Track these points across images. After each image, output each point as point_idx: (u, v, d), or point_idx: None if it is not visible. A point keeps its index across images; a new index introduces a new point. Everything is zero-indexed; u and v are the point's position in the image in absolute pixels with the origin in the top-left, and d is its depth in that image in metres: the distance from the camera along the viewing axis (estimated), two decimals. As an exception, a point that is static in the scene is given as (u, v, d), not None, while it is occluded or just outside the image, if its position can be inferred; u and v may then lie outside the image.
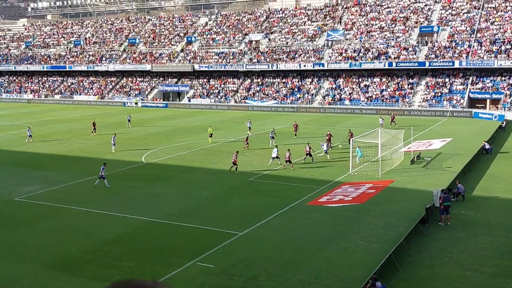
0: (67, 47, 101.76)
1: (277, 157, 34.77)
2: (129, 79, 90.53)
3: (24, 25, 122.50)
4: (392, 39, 73.93)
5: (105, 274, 18.45)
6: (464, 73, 67.37)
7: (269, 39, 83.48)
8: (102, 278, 18.01)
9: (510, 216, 24.45)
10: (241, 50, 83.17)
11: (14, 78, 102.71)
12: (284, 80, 77.39)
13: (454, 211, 24.29)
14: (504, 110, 59.54)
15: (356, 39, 76.61)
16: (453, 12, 74.63)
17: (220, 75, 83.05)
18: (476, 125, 53.50)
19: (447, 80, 67.63)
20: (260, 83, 78.56)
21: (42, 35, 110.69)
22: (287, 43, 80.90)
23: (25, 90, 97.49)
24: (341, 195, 27.30)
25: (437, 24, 73.68)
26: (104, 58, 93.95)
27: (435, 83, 67.86)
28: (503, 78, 64.54)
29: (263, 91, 76.58)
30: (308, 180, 31.54)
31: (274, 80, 78.15)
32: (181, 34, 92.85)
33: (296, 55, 77.40)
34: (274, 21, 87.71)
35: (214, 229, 22.82)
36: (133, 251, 20.53)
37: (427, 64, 67.59)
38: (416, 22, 75.57)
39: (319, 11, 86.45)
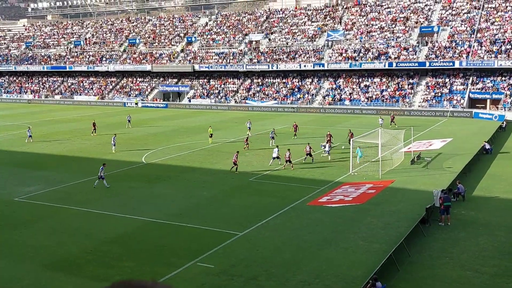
0: (67, 48, 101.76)
1: (277, 157, 34.79)
2: (129, 79, 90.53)
3: (24, 26, 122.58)
4: (392, 39, 73.92)
5: (105, 274, 18.45)
6: (464, 73, 67.36)
7: (269, 39, 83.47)
8: (102, 278, 18.00)
9: (511, 216, 24.43)
10: (241, 50, 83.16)
11: (14, 78, 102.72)
12: (284, 80, 77.39)
13: (454, 211, 24.27)
14: (504, 110, 59.53)
15: (356, 39, 76.60)
16: (453, 12, 74.62)
17: (220, 76, 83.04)
18: (476, 125, 53.49)
19: (447, 80, 67.62)
20: (260, 83, 78.55)
21: (42, 35, 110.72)
22: (287, 43, 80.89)
23: (25, 90, 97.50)
24: (341, 195, 27.26)
25: (437, 24, 73.67)
26: (104, 59, 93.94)
27: (435, 83, 67.85)
28: (503, 78, 64.53)
29: (263, 91, 76.58)
30: (308, 180, 31.54)
31: (274, 80, 78.14)
32: (181, 35, 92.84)
33: (296, 55, 77.38)
34: (274, 21, 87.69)
35: (214, 229, 22.81)
36: (133, 251, 20.52)
37: (427, 64, 67.58)
38: (416, 22, 75.56)
39: (319, 11, 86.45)
